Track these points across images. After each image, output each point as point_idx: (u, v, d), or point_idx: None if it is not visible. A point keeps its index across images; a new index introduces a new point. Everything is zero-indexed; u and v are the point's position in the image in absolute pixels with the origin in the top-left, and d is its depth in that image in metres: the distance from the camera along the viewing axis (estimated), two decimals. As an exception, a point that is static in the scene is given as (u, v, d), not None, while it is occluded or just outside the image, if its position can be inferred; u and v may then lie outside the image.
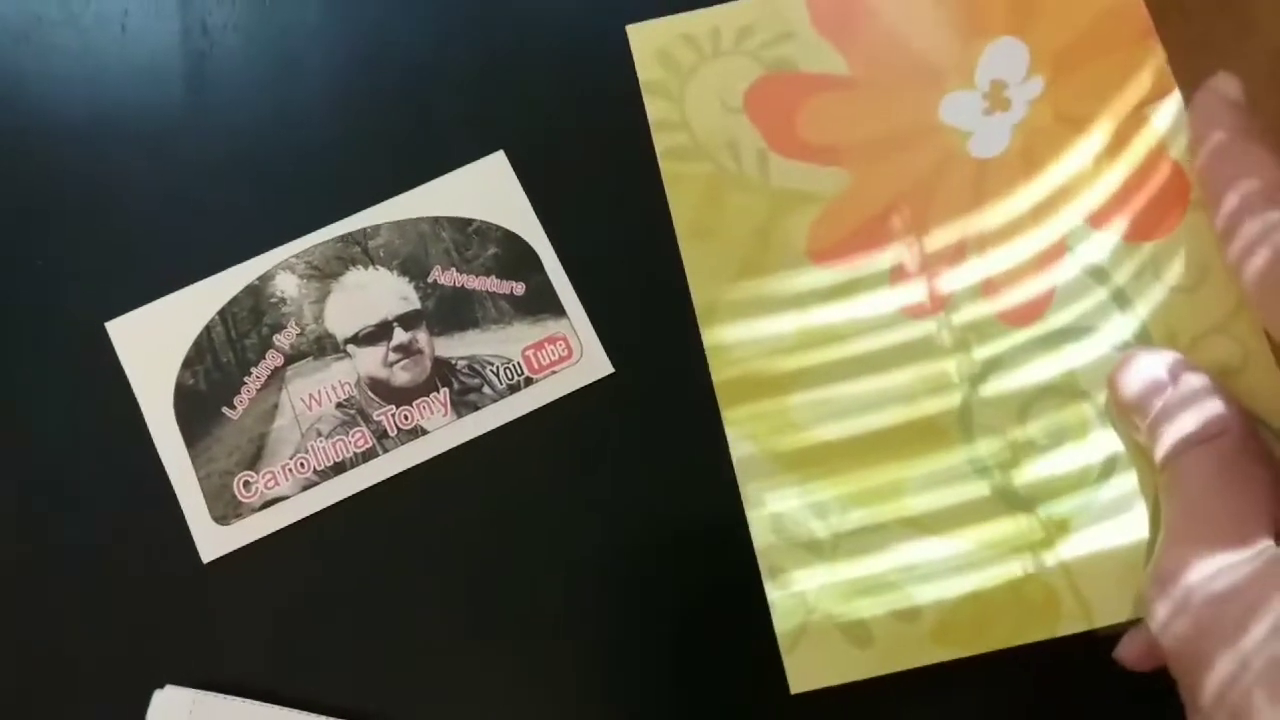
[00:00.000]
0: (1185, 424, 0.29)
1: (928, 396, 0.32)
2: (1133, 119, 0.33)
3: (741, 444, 0.32)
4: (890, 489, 0.31)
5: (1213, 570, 0.26)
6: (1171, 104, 0.33)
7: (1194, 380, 0.29)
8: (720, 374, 0.33)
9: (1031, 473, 0.31)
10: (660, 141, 0.35)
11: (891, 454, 0.32)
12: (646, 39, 0.35)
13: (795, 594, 0.31)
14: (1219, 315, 0.31)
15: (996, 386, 0.32)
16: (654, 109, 0.35)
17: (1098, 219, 0.33)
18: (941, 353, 0.32)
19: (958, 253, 0.33)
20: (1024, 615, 0.30)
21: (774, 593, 0.31)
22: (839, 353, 0.33)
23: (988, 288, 0.33)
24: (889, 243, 0.33)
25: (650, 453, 0.35)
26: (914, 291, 0.33)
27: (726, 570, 0.33)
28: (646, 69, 0.35)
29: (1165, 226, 0.32)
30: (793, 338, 0.33)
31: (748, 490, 0.32)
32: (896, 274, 0.33)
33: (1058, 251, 0.33)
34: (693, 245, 0.34)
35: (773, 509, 0.32)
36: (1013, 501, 0.31)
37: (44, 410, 0.35)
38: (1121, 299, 0.32)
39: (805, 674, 0.30)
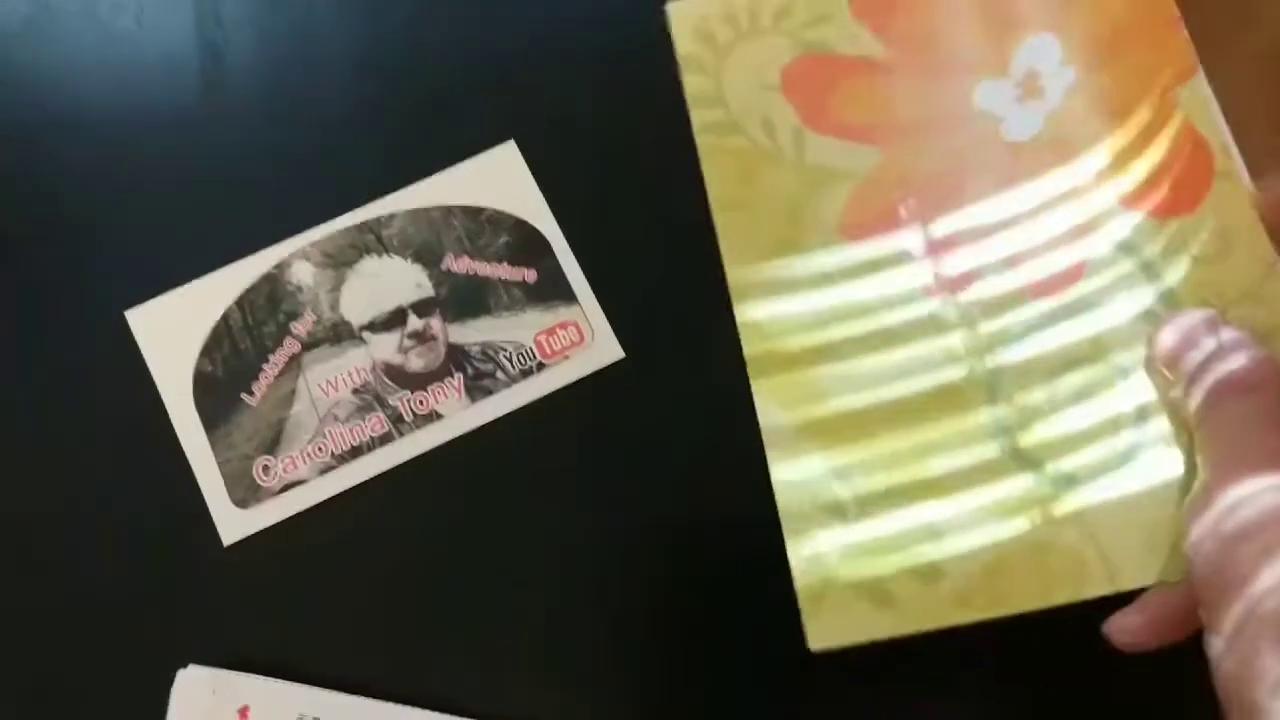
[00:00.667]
0: (1226, 372, 0.28)
1: (951, 366, 0.33)
2: (1160, 101, 0.34)
3: (769, 413, 0.33)
4: (913, 453, 0.32)
5: (1253, 491, 0.26)
6: (1196, 83, 0.34)
7: (1234, 335, 0.29)
8: (751, 347, 0.33)
9: (1053, 437, 0.32)
10: (697, 117, 0.35)
11: (915, 421, 0.32)
12: (686, 15, 0.36)
13: (816, 556, 0.31)
14: (1248, 282, 0.32)
15: (1020, 356, 0.33)
16: (691, 84, 0.35)
17: (1127, 198, 0.33)
18: (966, 325, 0.33)
19: (986, 231, 0.34)
20: (1048, 578, 0.30)
21: (796, 553, 0.31)
22: (867, 327, 0.33)
23: (1015, 266, 0.33)
24: (918, 220, 0.34)
25: (661, 435, 0.35)
26: (943, 267, 0.33)
27: (737, 548, 0.33)
28: (685, 44, 0.36)
29: (1192, 201, 0.33)
30: (822, 314, 0.33)
31: (773, 455, 0.32)
32: (926, 251, 0.34)
33: (1087, 230, 0.33)
34: (726, 219, 0.34)
35: (796, 474, 0.32)
36: (1029, 463, 0.32)
37: (65, 397, 0.36)
38: (1151, 274, 0.33)
39: (824, 631, 0.30)
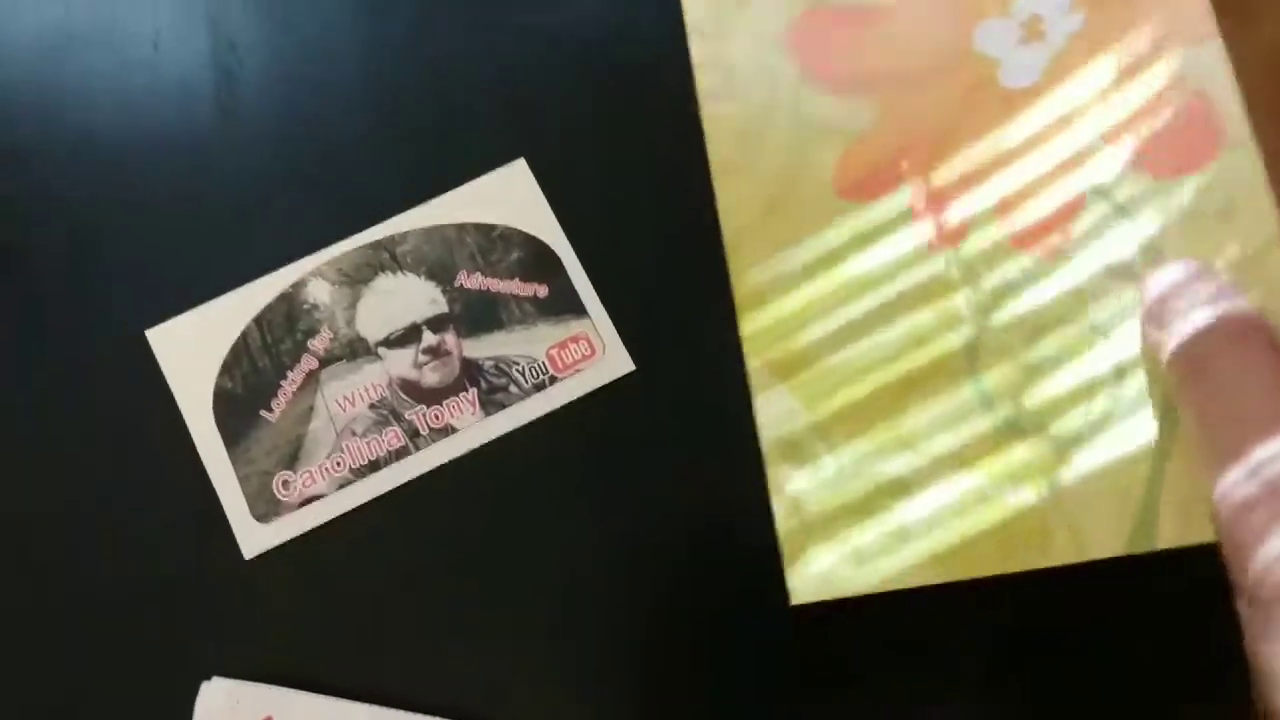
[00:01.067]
0: (1217, 312, 0.28)
1: (945, 334, 0.32)
2: (1170, 61, 0.33)
3: (785, 419, 0.32)
4: (905, 437, 0.32)
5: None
6: (1211, 49, 0.33)
7: (1228, 290, 0.29)
8: (760, 357, 0.33)
9: (1036, 403, 0.31)
10: (701, 82, 0.35)
11: (906, 402, 0.32)
12: None
13: (796, 503, 0.31)
14: (1241, 257, 0.32)
15: (1008, 321, 0.32)
16: (697, 50, 0.35)
17: (1125, 155, 0.33)
18: (956, 288, 0.33)
19: (981, 186, 0.33)
20: (1015, 543, 0.30)
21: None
22: (867, 305, 0.33)
23: (1009, 223, 0.33)
24: (914, 176, 0.33)
25: (671, 447, 0.36)
26: (935, 227, 0.33)
27: (750, 558, 0.34)
28: (693, 9, 0.36)
29: (1192, 166, 0.32)
30: (829, 295, 0.33)
31: (784, 465, 0.32)
32: (919, 209, 0.33)
33: (1082, 186, 0.33)
34: (725, 184, 0.34)
35: (805, 482, 0.32)
36: (1016, 433, 0.31)
37: (88, 415, 0.36)
38: (1143, 236, 0.32)
39: (804, 587, 0.31)
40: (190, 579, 0.35)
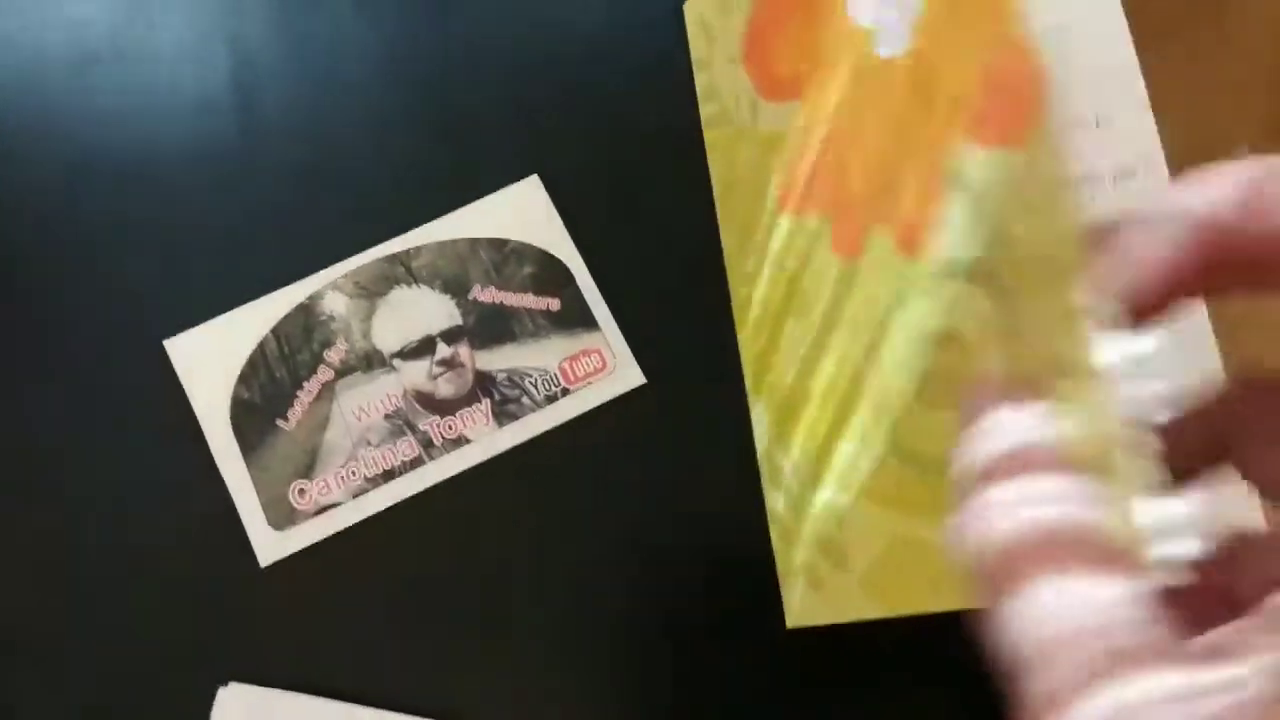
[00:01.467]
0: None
1: (858, 354, 0.30)
2: (1010, 14, 0.27)
3: (759, 446, 0.33)
4: (826, 432, 0.31)
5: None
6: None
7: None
8: (747, 380, 0.34)
9: (923, 429, 0.28)
10: (703, 113, 0.35)
11: (835, 422, 0.31)
12: (694, 12, 0.36)
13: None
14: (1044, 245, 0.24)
15: (902, 338, 0.29)
16: (699, 82, 0.36)
17: (974, 128, 0.27)
18: (859, 302, 0.30)
19: (870, 183, 0.30)
20: (940, 580, 0.28)
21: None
22: (801, 320, 0.32)
23: (893, 224, 0.29)
24: (823, 183, 0.31)
25: (681, 459, 0.36)
26: (841, 238, 0.31)
27: (760, 570, 0.34)
28: (695, 43, 0.36)
29: (1022, 135, 0.25)
30: (769, 315, 0.33)
31: (766, 494, 0.33)
32: (830, 223, 0.31)
33: (942, 170, 0.28)
34: (722, 205, 0.34)
35: (775, 504, 0.32)
36: (914, 463, 0.29)
37: (107, 424, 0.37)
38: (988, 224, 0.26)
39: (795, 611, 0.32)
40: (207, 586, 0.35)
